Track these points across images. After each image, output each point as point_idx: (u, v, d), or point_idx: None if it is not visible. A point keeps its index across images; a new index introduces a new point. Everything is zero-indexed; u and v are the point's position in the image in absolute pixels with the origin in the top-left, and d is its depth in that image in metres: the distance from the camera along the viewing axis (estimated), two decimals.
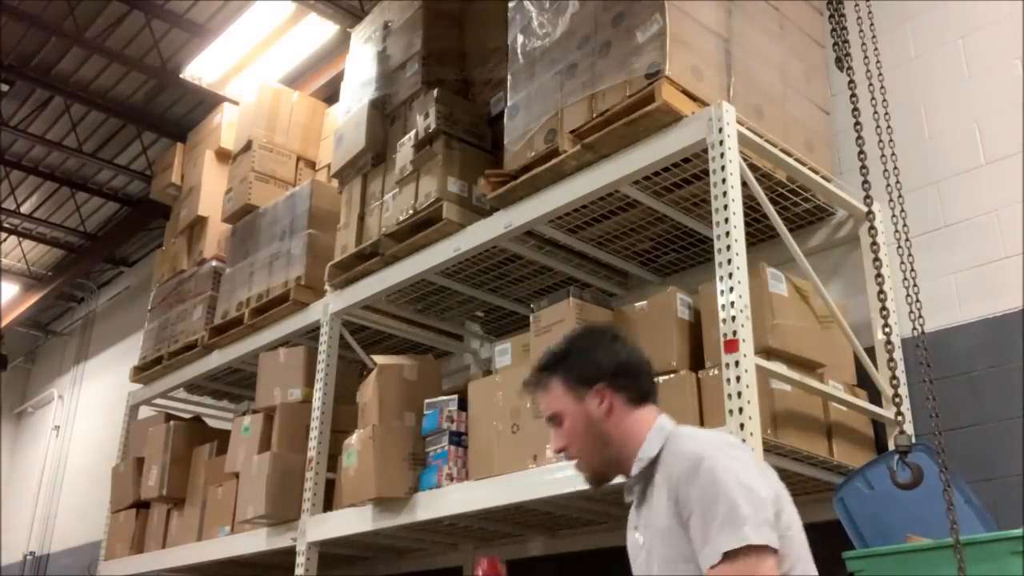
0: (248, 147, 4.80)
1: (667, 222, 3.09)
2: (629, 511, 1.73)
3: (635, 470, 1.62)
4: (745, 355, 2.19)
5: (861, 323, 2.82)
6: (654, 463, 1.60)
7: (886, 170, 2.44)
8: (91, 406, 8.16)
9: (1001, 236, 2.69)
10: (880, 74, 2.55)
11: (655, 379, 1.78)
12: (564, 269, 3.41)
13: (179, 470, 4.36)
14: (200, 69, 5.55)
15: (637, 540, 1.66)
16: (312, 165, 4.93)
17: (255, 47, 5.29)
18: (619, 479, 1.72)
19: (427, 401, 3.20)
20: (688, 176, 2.78)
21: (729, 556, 1.40)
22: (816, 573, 1.54)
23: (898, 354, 2.69)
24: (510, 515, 3.23)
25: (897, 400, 2.27)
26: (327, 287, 3.82)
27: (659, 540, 1.54)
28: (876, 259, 2.42)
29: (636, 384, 1.69)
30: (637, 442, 1.64)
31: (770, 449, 2.37)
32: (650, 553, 1.58)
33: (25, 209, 7.73)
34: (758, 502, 1.44)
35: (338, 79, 4.56)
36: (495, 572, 1.44)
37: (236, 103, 5.35)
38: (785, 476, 2.53)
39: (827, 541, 2.44)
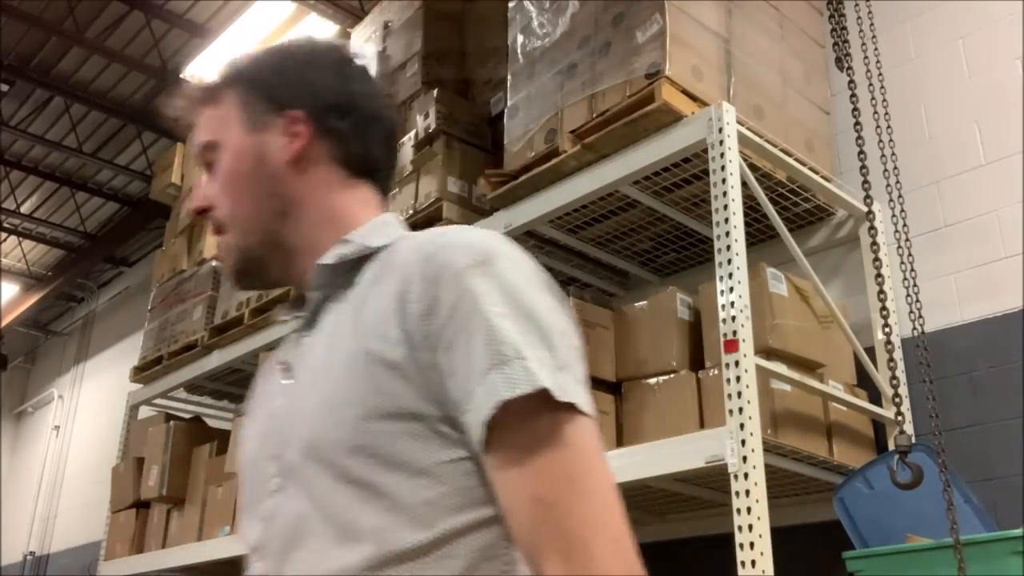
0: None
1: (667, 222, 3.09)
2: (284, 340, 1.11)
3: (331, 257, 0.95)
4: (745, 355, 2.19)
5: (861, 323, 2.83)
6: (364, 260, 0.95)
7: (886, 170, 2.44)
8: (91, 406, 8.16)
9: (1001, 236, 2.69)
10: (880, 74, 2.55)
11: (396, 155, 1.11)
12: (564, 269, 3.41)
13: (179, 470, 4.35)
14: (200, 69, 5.56)
15: (279, 389, 0.98)
16: None
17: (255, 47, 5.30)
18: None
19: None
20: (688, 176, 2.78)
21: (536, 404, 0.77)
22: None
23: (898, 354, 2.69)
24: None
25: (897, 400, 2.27)
26: None
27: (342, 375, 0.86)
28: (876, 259, 2.42)
29: (361, 139, 1.01)
30: (343, 224, 0.98)
31: (770, 449, 2.37)
32: (306, 400, 0.89)
33: (25, 209, 7.73)
34: (576, 352, 0.84)
35: None
36: None
37: None
38: (785, 476, 2.56)
39: (827, 541, 2.47)
